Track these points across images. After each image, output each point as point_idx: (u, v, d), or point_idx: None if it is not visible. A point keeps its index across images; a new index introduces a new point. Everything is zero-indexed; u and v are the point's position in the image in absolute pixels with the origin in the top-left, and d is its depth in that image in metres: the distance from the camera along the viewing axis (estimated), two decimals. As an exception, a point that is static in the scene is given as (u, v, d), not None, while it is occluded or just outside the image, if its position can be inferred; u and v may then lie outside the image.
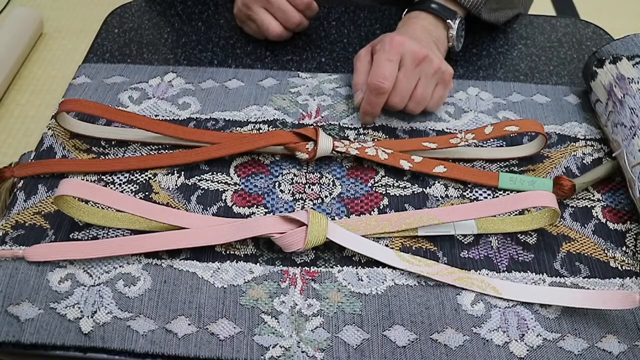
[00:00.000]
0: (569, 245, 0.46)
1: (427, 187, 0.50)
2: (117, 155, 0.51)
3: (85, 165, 0.49)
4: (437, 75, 0.53)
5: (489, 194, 0.50)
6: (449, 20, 0.58)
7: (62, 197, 0.44)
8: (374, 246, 0.45)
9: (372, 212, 0.48)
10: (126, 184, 0.49)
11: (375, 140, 0.53)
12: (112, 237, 0.45)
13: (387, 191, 0.50)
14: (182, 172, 0.50)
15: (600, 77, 0.54)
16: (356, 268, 0.44)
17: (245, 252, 0.45)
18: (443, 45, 0.58)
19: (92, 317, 0.41)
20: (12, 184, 0.49)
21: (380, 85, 0.51)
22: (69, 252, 0.43)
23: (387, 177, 0.51)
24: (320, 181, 0.50)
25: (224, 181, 0.50)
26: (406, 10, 0.61)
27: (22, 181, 0.49)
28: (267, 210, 0.48)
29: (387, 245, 0.46)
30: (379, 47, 0.53)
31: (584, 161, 0.52)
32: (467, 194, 0.50)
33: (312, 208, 0.48)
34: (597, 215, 0.48)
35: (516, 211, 0.47)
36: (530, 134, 0.54)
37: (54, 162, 0.50)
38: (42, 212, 0.47)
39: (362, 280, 0.44)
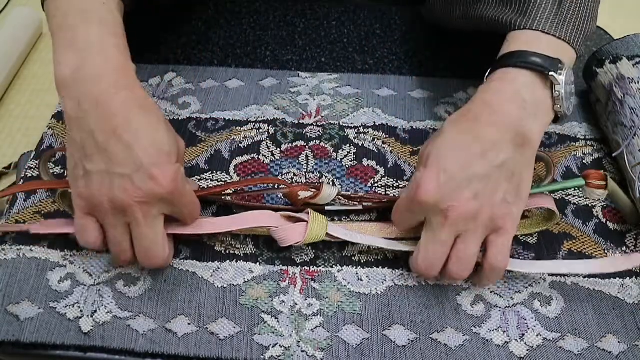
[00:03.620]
0: (571, 244, 0.46)
1: (427, 187, 0.50)
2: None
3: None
4: (489, 224, 0.39)
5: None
6: (552, 74, 0.41)
7: (63, 195, 0.44)
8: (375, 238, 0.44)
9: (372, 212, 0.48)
10: (126, 183, 0.49)
11: (376, 139, 0.53)
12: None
13: (387, 191, 0.49)
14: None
15: (600, 77, 0.53)
16: (356, 268, 0.44)
17: (245, 252, 0.45)
18: (544, 112, 0.41)
19: (92, 316, 0.41)
20: (12, 183, 0.49)
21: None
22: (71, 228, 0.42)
23: (387, 177, 0.50)
24: (320, 181, 0.50)
25: (224, 180, 0.50)
26: (490, 68, 0.45)
27: (22, 181, 0.49)
28: (267, 210, 0.48)
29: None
30: (403, 192, 0.42)
31: (584, 161, 0.52)
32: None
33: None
34: (597, 215, 0.48)
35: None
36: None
37: (38, 183, 0.47)
38: (42, 212, 0.47)
39: (362, 280, 0.44)
